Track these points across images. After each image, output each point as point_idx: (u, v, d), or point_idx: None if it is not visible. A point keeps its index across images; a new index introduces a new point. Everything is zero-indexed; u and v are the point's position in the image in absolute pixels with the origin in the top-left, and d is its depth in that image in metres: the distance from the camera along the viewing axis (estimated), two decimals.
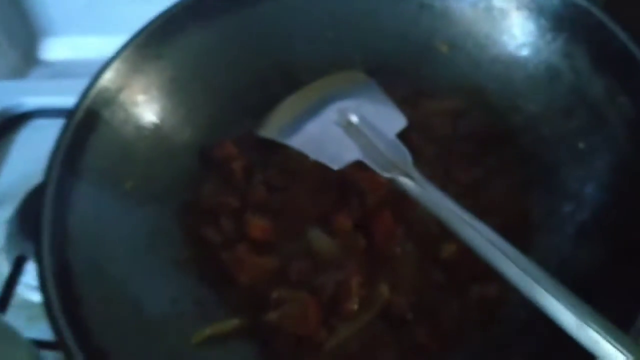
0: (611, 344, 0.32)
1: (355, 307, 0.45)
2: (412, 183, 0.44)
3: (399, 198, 0.48)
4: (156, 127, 0.53)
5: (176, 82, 0.54)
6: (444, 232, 0.46)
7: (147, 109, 0.52)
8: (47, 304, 0.40)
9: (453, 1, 0.54)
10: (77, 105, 0.48)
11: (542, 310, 0.36)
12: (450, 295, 0.45)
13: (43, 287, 0.41)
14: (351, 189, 0.50)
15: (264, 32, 0.56)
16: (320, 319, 0.44)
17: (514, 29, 0.52)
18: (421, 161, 0.48)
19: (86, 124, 0.48)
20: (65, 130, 0.47)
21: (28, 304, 0.55)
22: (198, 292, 0.48)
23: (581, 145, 0.47)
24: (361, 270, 0.46)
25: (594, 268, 0.41)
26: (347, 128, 0.50)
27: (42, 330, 0.44)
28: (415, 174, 0.44)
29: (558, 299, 0.35)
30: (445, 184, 0.46)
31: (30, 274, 0.56)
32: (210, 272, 0.48)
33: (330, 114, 0.51)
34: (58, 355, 0.44)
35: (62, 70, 0.78)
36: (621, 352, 0.32)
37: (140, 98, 0.52)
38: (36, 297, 0.55)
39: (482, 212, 0.45)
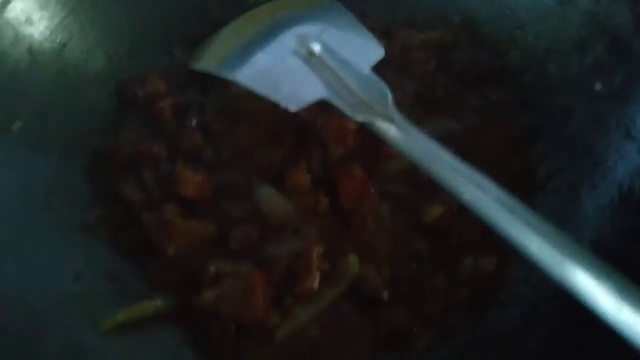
0: None
1: (316, 284, 0.36)
2: (393, 128, 0.34)
3: (370, 149, 0.40)
4: (58, 53, 0.43)
5: None
6: (427, 192, 0.38)
7: (45, 28, 0.42)
8: None
9: None
10: None
11: (567, 289, 0.27)
12: (435, 269, 0.36)
13: None
14: (311, 138, 0.41)
15: None
16: (270, 300, 0.35)
17: None
18: (398, 105, 0.39)
19: None
20: None
21: None
22: (111, 265, 0.38)
23: (598, 85, 0.39)
24: (323, 237, 0.37)
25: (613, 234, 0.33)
26: (308, 59, 0.40)
27: None
28: (397, 116, 0.35)
29: (593, 276, 0.27)
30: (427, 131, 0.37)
31: None
32: (128, 238, 0.39)
33: (286, 42, 0.41)
34: None
35: None
36: None
37: (37, 14, 0.42)
38: None
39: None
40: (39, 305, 0.34)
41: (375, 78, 0.37)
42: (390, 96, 0.36)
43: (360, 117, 0.35)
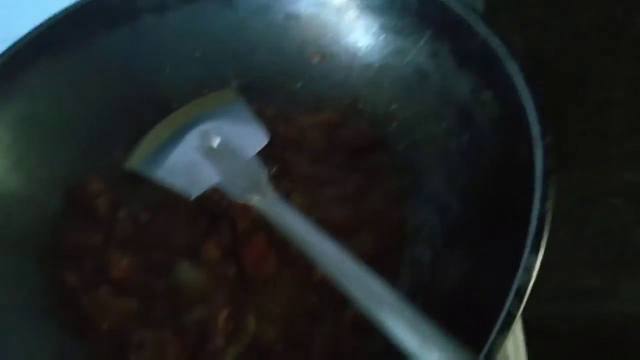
0: None
1: (222, 343, 0.41)
2: (264, 203, 0.41)
3: None
4: (10, 172, 0.50)
5: (30, 121, 0.51)
6: None
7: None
8: None
9: (318, 8, 0.52)
10: None
11: (384, 331, 0.33)
12: (323, 320, 0.42)
13: None
14: (222, 217, 0.47)
15: (125, 59, 0.54)
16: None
17: (381, 33, 0.50)
18: (296, 178, 0.47)
19: None
20: None
21: None
22: (58, 343, 0.44)
23: (452, 147, 0.44)
24: (229, 301, 0.43)
25: (460, 279, 0.38)
26: (207, 153, 0.47)
27: None
28: (268, 192, 0.42)
29: (400, 317, 0.32)
30: (321, 198, 0.45)
31: None
32: (71, 319, 0.45)
33: (191, 140, 0.48)
34: None
35: None
36: None
37: None
38: None
39: (357, 226, 0.43)
40: None
41: (254, 162, 0.44)
42: (264, 176, 0.43)
43: (241, 196, 0.42)
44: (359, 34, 0.51)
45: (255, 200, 0.42)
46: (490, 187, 0.40)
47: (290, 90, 0.53)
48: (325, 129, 0.51)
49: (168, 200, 0.48)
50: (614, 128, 0.54)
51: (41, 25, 0.52)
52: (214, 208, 0.47)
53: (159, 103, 0.54)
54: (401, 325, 0.32)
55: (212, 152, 0.47)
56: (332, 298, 0.41)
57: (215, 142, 0.47)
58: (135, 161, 0.51)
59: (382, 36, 0.50)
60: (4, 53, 0.50)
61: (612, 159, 0.53)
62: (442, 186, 0.44)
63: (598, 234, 0.49)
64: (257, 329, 0.42)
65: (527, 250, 0.33)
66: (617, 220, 0.50)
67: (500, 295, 0.33)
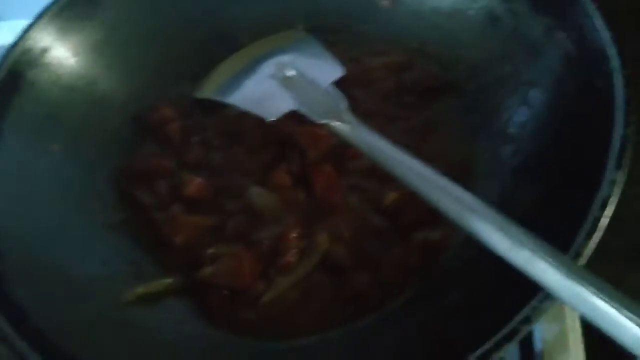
0: (544, 260, 0.30)
1: (294, 259, 0.43)
2: (346, 127, 0.42)
3: (341, 152, 0.47)
4: (87, 90, 0.51)
5: (109, 43, 0.53)
6: (386, 182, 0.45)
7: (77, 71, 0.51)
8: None
9: None
10: None
11: (475, 236, 0.34)
12: (391, 242, 0.43)
13: None
14: (292, 145, 0.48)
15: None
16: (257, 272, 0.42)
17: None
18: (363, 114, 0.47)
19: (8, 85, 0.47)
20: None
21: None
22: (131, 254, 0.45)
23: (521, 87, 0.45)
24: (300, 222, 0.44)
25: (532, 204, 0.39)
26: (283, 81, 0.48)
27: None
28: (350, 117, 0.43)
29: (489, 222, 0.33)
30: (387, 134, 0.44)
31: None
32: (145, 234, 0.46)
33: (267, 69, 0.50)
34: None
35: None
36: (554, 267, 0.30)
37: (69, 59, 0.51)
38: None
39: (424, 161, 0.44)
40: (73, 285, 0.42)
41: (333, 89, 0.45)
42: (344, 102, 0.44)
43: (321, 120, 0.43)
44: None
45: (336, 124, 0.43)
46: (565, 119, 0.41)
47: (358, 33, 0.55)
48: (393, 71, 0.52)
49: (238, 129, 0.50)
50: None
51: None
52: (284, 138, 0.48)
53: (227, 40, 0.55)
54: (490, 230, 0.33)
55: (288, 81, 0.48)
56: (400, 222, 0.44)
57: (291, 72, 0.48)
58: (207, 91, 0.52)
59: None
60: None
61: None
62: (512, 122, 0.45)
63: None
64: (328, 247, 0.43)
65: (610, 166, 0.34)
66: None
67: (580, 210, 0.34)
